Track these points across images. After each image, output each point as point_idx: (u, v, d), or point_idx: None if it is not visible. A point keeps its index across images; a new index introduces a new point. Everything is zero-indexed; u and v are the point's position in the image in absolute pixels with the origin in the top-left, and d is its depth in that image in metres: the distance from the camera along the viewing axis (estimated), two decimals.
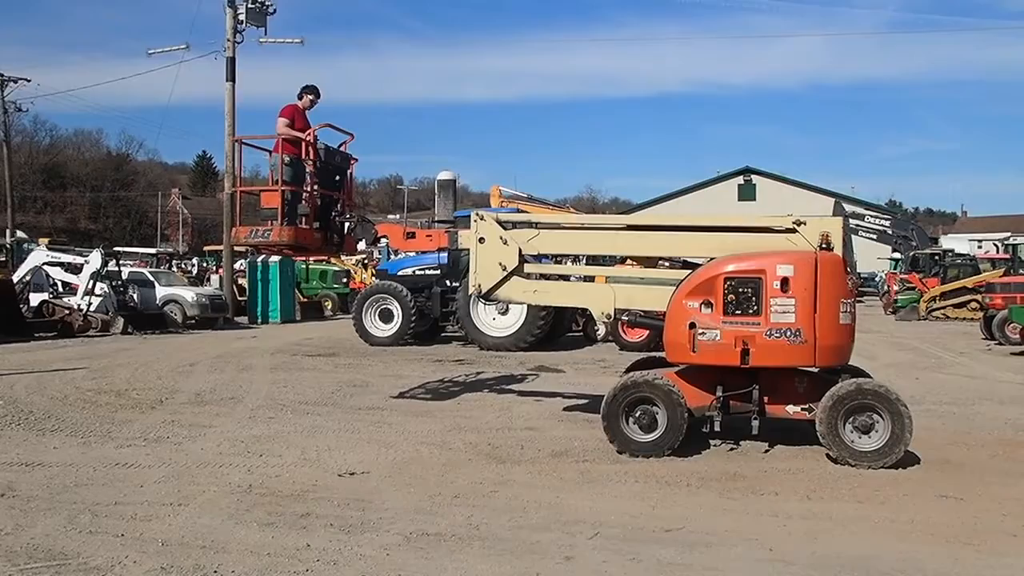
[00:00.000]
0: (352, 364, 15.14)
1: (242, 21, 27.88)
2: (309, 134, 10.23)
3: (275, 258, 27.32)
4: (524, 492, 6.47)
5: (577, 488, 6.65)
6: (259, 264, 27.03)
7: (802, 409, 7.71)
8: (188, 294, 24.76)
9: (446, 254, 18.40)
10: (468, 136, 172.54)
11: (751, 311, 7.46)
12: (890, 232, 34.55)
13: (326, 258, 34.71)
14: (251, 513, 5.85)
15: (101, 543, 5.21)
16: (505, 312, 17.98)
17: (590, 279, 9.85)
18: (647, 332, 17.96)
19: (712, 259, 7.88)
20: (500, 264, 8.74)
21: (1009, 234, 38.69)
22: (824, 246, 7.63)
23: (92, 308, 21.71)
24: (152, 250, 47.89)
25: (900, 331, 24.59)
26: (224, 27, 27.91)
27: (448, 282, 19.05)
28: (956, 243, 47.58)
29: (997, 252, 37.32)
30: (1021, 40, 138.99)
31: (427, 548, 5.19)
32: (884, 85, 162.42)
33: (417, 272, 19.89)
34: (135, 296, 23.45)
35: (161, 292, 24.44)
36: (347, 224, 10.87)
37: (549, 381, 12.99)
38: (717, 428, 7.73)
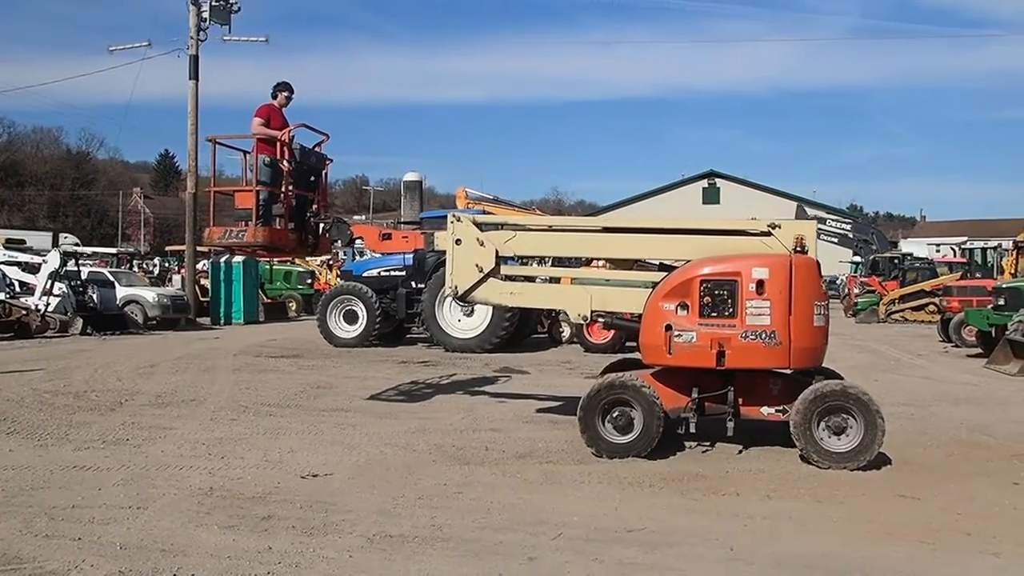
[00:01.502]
0: (316, 366, 15.04)
1: (206, 19, 27.57)
2: (284, 134, 10.11)
3: (238, 258, 27.06)
4: (488, 493, 6.48)
5: (541, 489, 6.67)
6: (222, 264, 26.76)
7: (776, 410, 7.79)
8: (149, 294, 24.43)
9: (411, 255, 18.37)
10: (435, 137, 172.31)
11: (727, 313, 7.52)
12: (851, 236, 34.99)
13: (291, 259, 34.51)
14: (212, 516, 5.80)
15: (58, 547, 5.12)
16: (470, 314, 17.96)
17: (556, 280, 9.88)
18: (612, 334, 18.08)
19: (688, 261, 7.94)
20: (477, 266, 8.71)
21: (966, 238, 39.45)
22: (799, 249, 7.72)
23: (50, 308, 21.33)
24: (113, 250, 47.21)
25: (860, 333, 24.96)
26: (187, 24, 27.60)
27: (413, 283, 18.99)
28: (915, 247, 48.33)
29: (954, 256, 37.98)
30: (979, 47, 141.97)
31: (390, 550, 5.17)
32: (847, 91, 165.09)
33: (382, 273, 19.80)
34: (95, 296, 23.08)
35: (121, 292, 24.08)
36: (322, 225, 10.78)
37: (514, 383, 13.01)
38: (692, 429, 7.78)
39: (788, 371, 7.81)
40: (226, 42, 29.15)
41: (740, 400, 7.78)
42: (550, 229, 9.23)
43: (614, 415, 7.71)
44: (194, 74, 27.46)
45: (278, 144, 10.06)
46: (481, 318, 17.82)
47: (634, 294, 8.28)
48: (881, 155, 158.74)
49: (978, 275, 27.63)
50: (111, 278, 24.87)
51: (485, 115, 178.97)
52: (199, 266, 30.70)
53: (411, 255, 18.37)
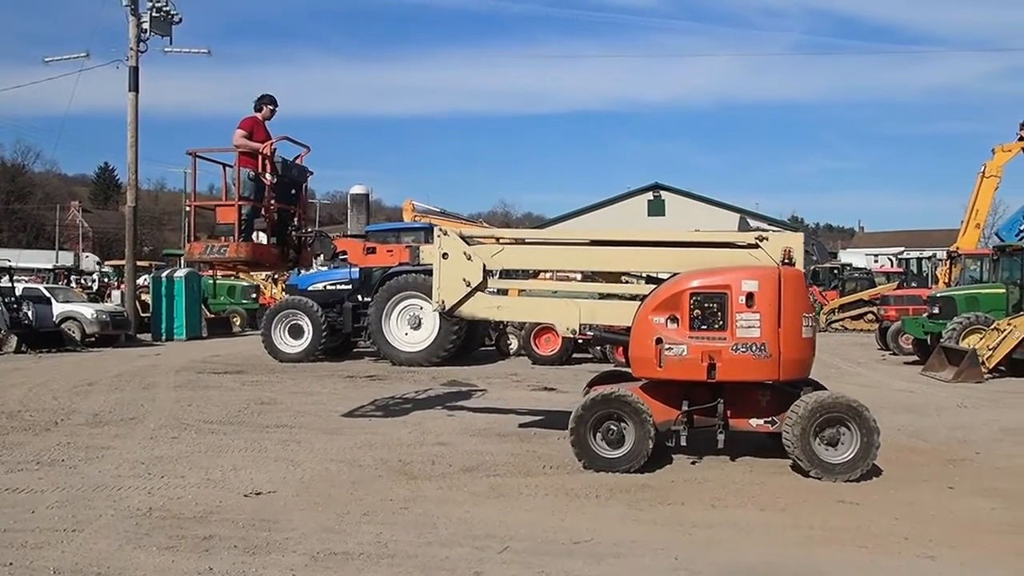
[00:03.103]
0: (260, 381, 14.81)
1: (146, 30, 27.09)
2: (267, 147, 9.95)
3: (180, 273, 26.58)
4: (434, 508, 6.44)
5: (487, 502, 6.65)
6: (163, 279, 26.25)
7: (765, 422, 7.84)
8: (87, 310, 23.83)
9: (358, 269, 18.24)
10: (382, 150, 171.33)
11: (717, 326, 7.54)
12: None
13: (234, 273, 34.01)
14: (150, 537, 5.66)
15: None
16: (417, 327, 17.89)
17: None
18: (559, 346, 18.17)
19: (675, 274, 7.98)
20: (464, 280, 8.66)
21: (903, 249, 40.47)
22: (786, 261, 7.81)
23: None
24: (48, 265, 46.03)
25: None
26: (127, 35, 27.10)
27: (360, 297, 18.85)
28: (854, 257, 49.49)
29: (891, 266, 38.93)
30: (916, 63, 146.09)
31: (334, 567, 5.11)
32: (789, 105, 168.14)
33: (328, 287, 19.61)
34: (30, 313, 22.43)
35: (58, 308, 23.45)
36: (305, 239, 10.63)
37: (461, 396, 12.96)
38: (683, 443, 7.78)
39: (777, 383, 7.83)
40: (167, 54, 28.69)
41: (729, 412, 7.79)
42: (541, 243, 9.22)
43: (606, 429, 7.68)
44: (134, 86, 26.96)
45: (260, 157, 9.90)
46: (428, 331, 17.75)
47: (623, 307, 8.31)
48: (822, 168, 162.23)
49: (914, 284, 28.37)
50: (47, 294, 24.23)
51: (433, 128, 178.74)
52: (140, 281, 30.07)
53: (357, 269, 18.26)
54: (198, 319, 27.15)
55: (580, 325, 8.49)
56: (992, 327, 16.37)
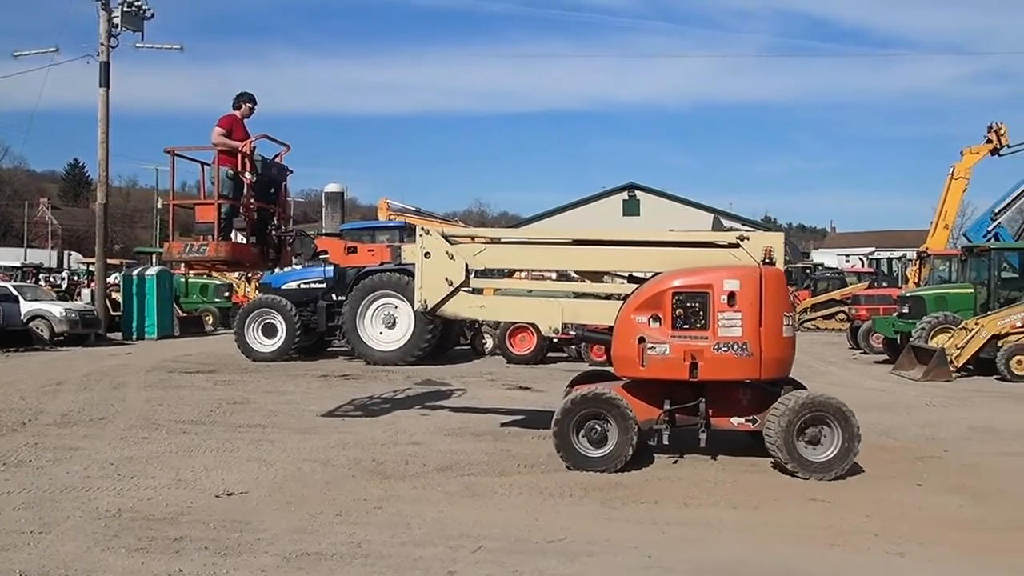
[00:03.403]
0: (233, 380, 14.69)
1: (117, 25, 26.75)
2: (246, 145, 9.84)
3: (152, 271, 26.30)
4: (408, 507, 6.42)
5: (461, 502, 6.64)
6: (134, 277, 25.96)
7: (746, 420, 7.89)
8: (56, 309, 23.50)
9: (332, 268, 18.13)
10: (357, 148, 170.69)
11: (699, 325, 7.57)
12: None
13: (208, 271, 33.70)
14: (120, 539, 5.59)
15: None
16: (392, 326, 17.84)
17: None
18: (534, 345, 18.20)
19: (656, 273, 7.99)
20: (446, 279, 8.61)
21: (874, 249, 40.92)
22: (767, 261, 7.85)
23: None
24: (16, 263, 45.40)
25: None
26: (98, 30, 26.76)
27: (334, 296, 18.75)
28: (825, 257, 50.00)
29: (862, 266, 39.33)
30: (886, 66, 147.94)
31: (307, 568, 5.08)
32: (762, 106, 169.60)
33: (302, 286, 19.49)
34: None
35: (26, 307, 23.09)
36: (285, 238, 10.54)
37: (436, 395, 12.93)
38: (666, 441, 7.81)
39: (758, 382, 7.87)
40: (139, 49, 28.36)
41: (711, 411, 7.82)
42: (524, 242, 9.20)
43: (589, 428, 7.68)
44: (105, 81, 26.62)
45: (239, 156, 9.80)
46: (403, 331, 17.70)
47: (605, 306, 8.32)
48: (794, 169, 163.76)
49: (884, 284, 28.67)
50: (15, 292, 23.86)
51: (408, 126, 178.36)
52: (110, 279, 29.72)
53: (331, 267, 18.15)
54: (170, 318, 26.86)
55: (563, 324, 8.50)
56: (960, 327, 16.59)
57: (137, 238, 73.55)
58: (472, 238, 9.02)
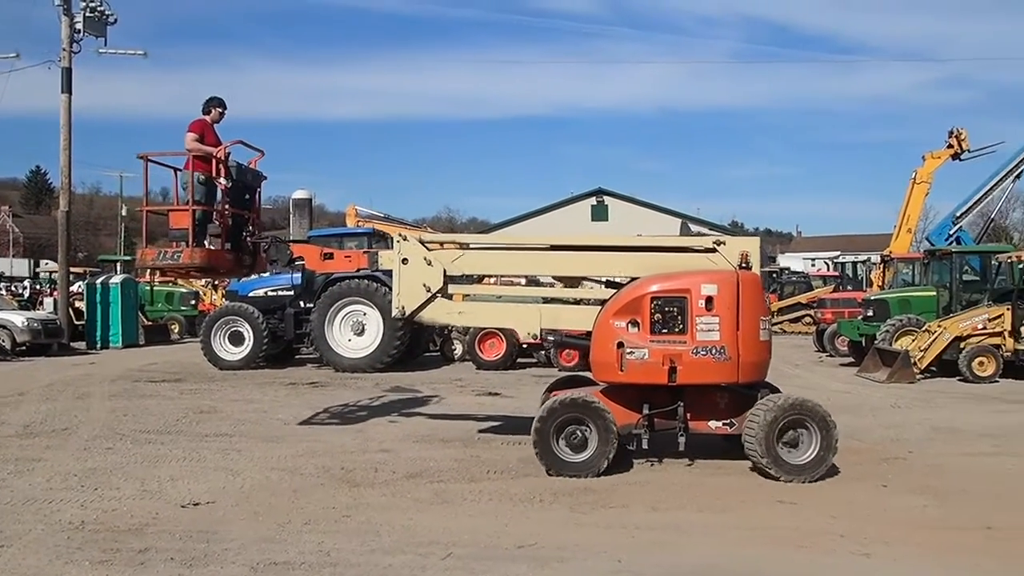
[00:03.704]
0: (199, 389, 14.53)
1: (79, 30, 26.39)
2: (220, 151, 9.74)
3: (116, 279, 25.94)
4: (377, 515, 6.39)
5: (431, 509, 6.62)
6: (98, 286, 25.58)
7: (724, 424, 7.94)
8: (17, 318, 23.08)
9: (299, 274, 18.02)
10: (325, 154, 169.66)
11: (677, 329, 7.61)
12: None
13: (172, 279, 33.28)
14: (83, 551, 5.51)
15: None
16: (361, 333, 17.74)
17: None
18: (503, 351, 18.20)
19: (633, 279, 8.02)
20: (424, 285, 8.58)
21: (839, 253, 41.38)
22: (743, 265, 7.91)
23: None
24: None
25: None
26: (60, 36, 26.39)
27: (302, 303, 18.62)
28: (792, 261, 50.45)
29: (828, 270, 39.74)
30: (850, 72, 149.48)
31: None
32: (729, 111, 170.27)
33: (269, 293, 19.32)
34: None
35: None
36: (260, 245, 10.42)
37: (405, 402, 12.89)
38: (645, 446, 7.84)
39: (736, 386, 7.93)
40: (102, 55, 28.00)
41: (689, 415, 7.85)
42: (502, 248, 9.18)
43: (569, 434, 7.67)
44: (67, 87, 26.24)
45: (214, 161, 9.68)
46: (372, 337, 17.61)
47: (584, 312, 8.34)
48: (761, 174, 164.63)
49: (849, 288, 28.99)
50: None
51: (376, 132, 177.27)
52: (73, 288, 29.27)
53: (299, 274, 18.04)
54: (135, 326, 26.50)
55: (541, 330, 8.52)
56: (924, 329, 16.84)
57: (101, 246, 72.56)
58: (441, 244, 9.00)
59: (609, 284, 8.71)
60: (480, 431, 10.07)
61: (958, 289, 18.54)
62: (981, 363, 15.62)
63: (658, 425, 7.91)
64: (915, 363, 15.83)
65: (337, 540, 5.75)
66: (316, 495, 7.02)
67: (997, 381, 15.46)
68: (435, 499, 6.92)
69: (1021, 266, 18.02)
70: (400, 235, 8.89)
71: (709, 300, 7.58)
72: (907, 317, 18.17)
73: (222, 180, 9.75)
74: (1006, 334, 15.94)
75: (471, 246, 9.06)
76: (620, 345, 7.68)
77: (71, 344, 24.77)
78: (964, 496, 7.09)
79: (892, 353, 16.28)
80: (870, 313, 19.42)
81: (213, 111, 10.21)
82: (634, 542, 5.76)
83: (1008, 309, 16.05)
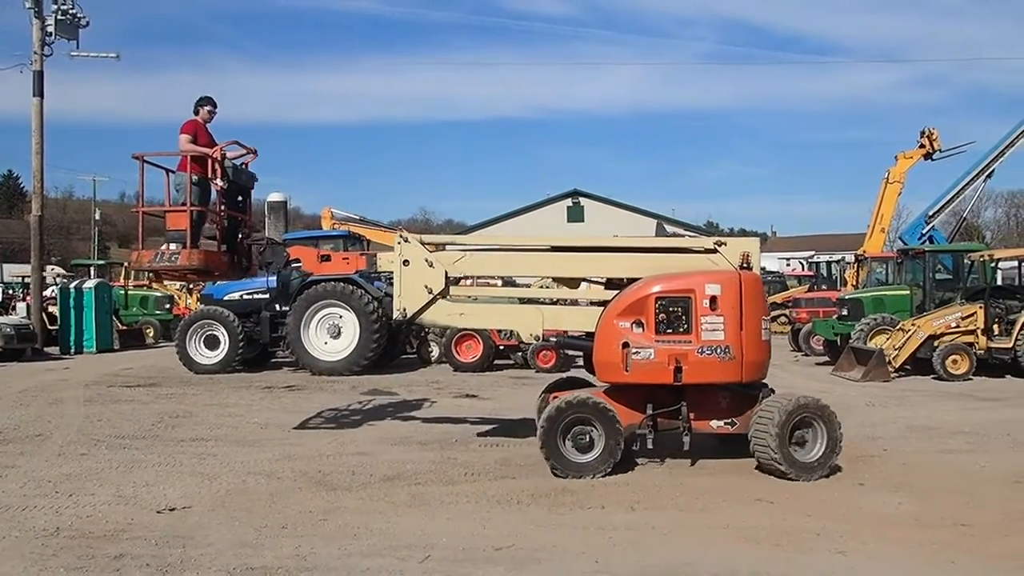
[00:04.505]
0: (175, 394, 14.41)
1: (51, 33, 26.11)
2: (216, 151, 9.63)
3: (90, 283, 25.68)
4: (355, 519, 6.36)
5: (409, 512, 6.61)
6: (72, 290, 25.32)
7: (725, 423, 7.98)
8: None
9: (275, 277, 17.91)
10: (300, 157, 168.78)
11: (682, 329, 7.65)
12: None
13: (147, 283, 32.99)
14: (58, 558, 5.45)
15: None
16: (337, 336, 17.68)
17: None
18: (480, 353, 18.19)
19: (630, 280, 8.04)
20: (426, 287, 8.53)
21: (813, 253, 41.69)
22: (744, 265, 7.96)
23: None
24: None
25: None
26: (31, 39, 26.10)
27: (278, 306, 18.52)
28: (766, 261, 50.66)
29: (803, 269, 40.02)
30: (823, 73, 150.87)
31: None
32: (703, 113, 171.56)
33: (245, 296, 19.18)
34: None
35: None
36: (255, 247, 10.32)
37: (382, 404, 12.85)
38: (650, 446, 7.86)
39: (739, 385, 7.97)
40: (74, 58, 27.73)
41: (691, 415, 7.89)
42: (503, 249, 9.16)
43: (575, 434, 7.67)
44: (39, 91, 25.95)
45: (210, 162, 9.57)
46: (348, 340, 17.55)
47: (586, 313, 8.34)
48: (735, 174, 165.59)
49: (824, 287, 29.21)
50: None
51: (352, 135, 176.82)
52: (46, 292, 28.94)
53: (275, 277, 17.93)
54: (109, 331, 26.24)
55: (543, 331, 8.53)
56: (898, 328, 17.01)
57: (74, 250, 71.79)
58: (437, 246, 8.98)
59: (610, 285, 8.67)
60: (457, 433, 10.06)
61: (931, 288, 18.74)
62: (955, 361, 15.80)
63: (661, 425, 7.94)
64: (889, 362, 15.99)
65: (314, 544, 5.72)
66: (293, 499, 6.99)
67: (970, 379, 15.64)
68: (413, 502, 6.90)
69: (993, 265, 18.28)
70: (401, 236, 8.85)
71: (713, 300, 7.65)
72: (881, 316, 18.35)
73: (219, 181, 9.65)
74: (979, 332, 16.14)
75: (472, 248, 9.05)
76: (625, 345, 7.71)
77: (44, 349, 24.49)
78: (938, 493, 7.16)
79: (867, 352, 16.43)
80: (844, 312, 19.59)
81: (202, 110, 10.13)
82: (611, 542, 5.78)
83: (980, 307, 16.25)
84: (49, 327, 26.19)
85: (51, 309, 27.14)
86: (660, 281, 7.85)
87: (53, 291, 28.85)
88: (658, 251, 8.50)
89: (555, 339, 8.85)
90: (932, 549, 5.63)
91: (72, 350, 24.71)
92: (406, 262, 8.62)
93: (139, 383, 16.10)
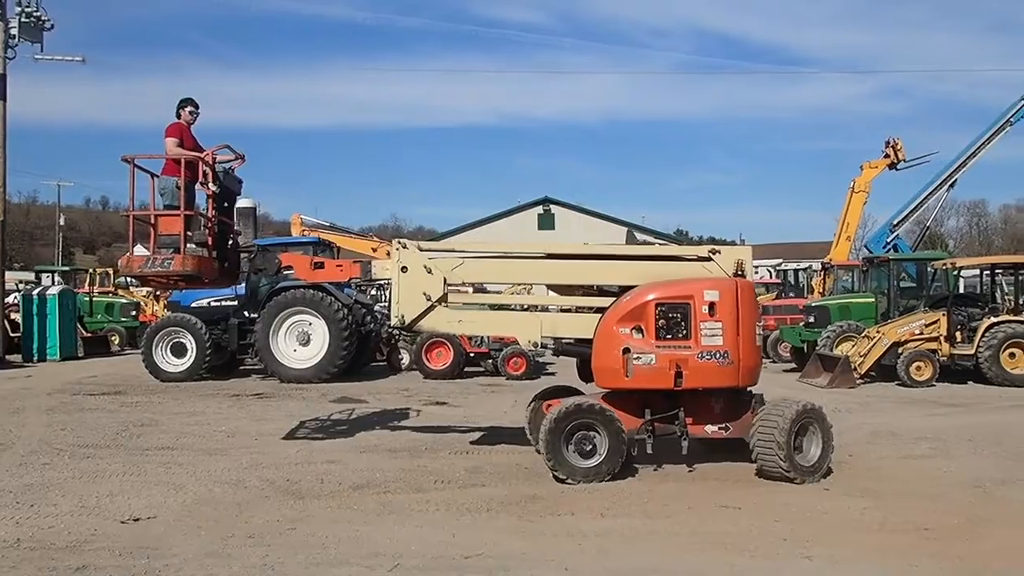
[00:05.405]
0: (140, 402, 14.24)
1: (14, 36, 25.74)
2: (208, 155, 9.50)
3: (53, 290, 25.31)
4: (323, 527, 6.32)
5: (378, 520, 6.57)
6: (35, 297, 24.93)
7: (719, 428, 8.07)
8: None
9: (243, 285, 17.76)
10: (270, 163, 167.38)
11: (682, 335, 7.73)
12: None
13: (112, 289, 32.56)
14: (18, 570, 5.36)
15: None
16: (306, 343, 17.58)
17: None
18: (451, 360, 18.16)
19: (628, 288, 8.10)
20: (424, 294, 8.49)
21: (781, 261, 41.99)
22: (739, 273, 8.05)
23: None
24: None
25: None
26: None
27: (246, 313, 18.38)
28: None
29: (770, 277, 40.36)
30: (793, 84, 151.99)
31: None
32: (674, 121, 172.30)
33: (212, 303, 19.03)
34: None
35: None
36: (245, 253, 10.19)
37: (352, 412, 12.78)
38: (649, 451, 7.90)
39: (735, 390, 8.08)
40: (39, 61, 27.36)
41: (688, 420, 7.95)
42: (501, 256, 9.14)
43: (578, 440, 7.69)
44: (2, 94, 25.58)
45: (201, 166, 9.46)
46: (318, 347, 17.47)
47: (584, 319, 8.36)
48: (704, 183, 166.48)
49: (791, 295, 29.50)
50: None
51: (322, 141, 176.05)
52: (9, 299, 28.48)
53: (243, 284, 17.78)
54: (73, 338, 25.86)
55: (542, 338, 8.53)
56: (863, 335, 17.23)
57: (38, 256, 70.77)
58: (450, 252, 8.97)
59: (601, 292, 8.71)
60: (427, 441, 10.03)
61: (896, 295, 19.03)
62: (918, 368, 16.04)
63: (659, 430, 8.01)
64: (855, 368, 16.19)
65: (282, 553, 5.67)
66: (260, 508, 6.92)
67: (934, 385, 15.89)
68: (382, 510, 6.87)
69: (956, 273, 18.58)
70: (399, 242, 8.80)
71: (712, 306, 7.76)
72: (847, 323, 18.59)
73: (211, 186, 9.51)
74: (942, 339, 16.40)
75: (470, 255, 9.03)
76: (626, 351, 7.77)
77: (7, 357, 24.08)
78: (902, 498, 7.25)
79: (833, 359, 16.63)
80: (811, 319, 19.82)
81: (183, 112, 9.96)
82: (581, 549, 5.79)
83: (944, 315, 16.52)
84: (11, 334, 25.76)
85: (13, 316, 26.70)
86: (658, 288, 7.93)
87: (16, 298, 28.37)
88: (654, 259, 8.58)
89: (552, 345, 8.85)
90: (896, 553, 5.70)
91: (35, 358, 24.32)
92: (404, 269, 8.58)
93: (104, 391, 15.88)
